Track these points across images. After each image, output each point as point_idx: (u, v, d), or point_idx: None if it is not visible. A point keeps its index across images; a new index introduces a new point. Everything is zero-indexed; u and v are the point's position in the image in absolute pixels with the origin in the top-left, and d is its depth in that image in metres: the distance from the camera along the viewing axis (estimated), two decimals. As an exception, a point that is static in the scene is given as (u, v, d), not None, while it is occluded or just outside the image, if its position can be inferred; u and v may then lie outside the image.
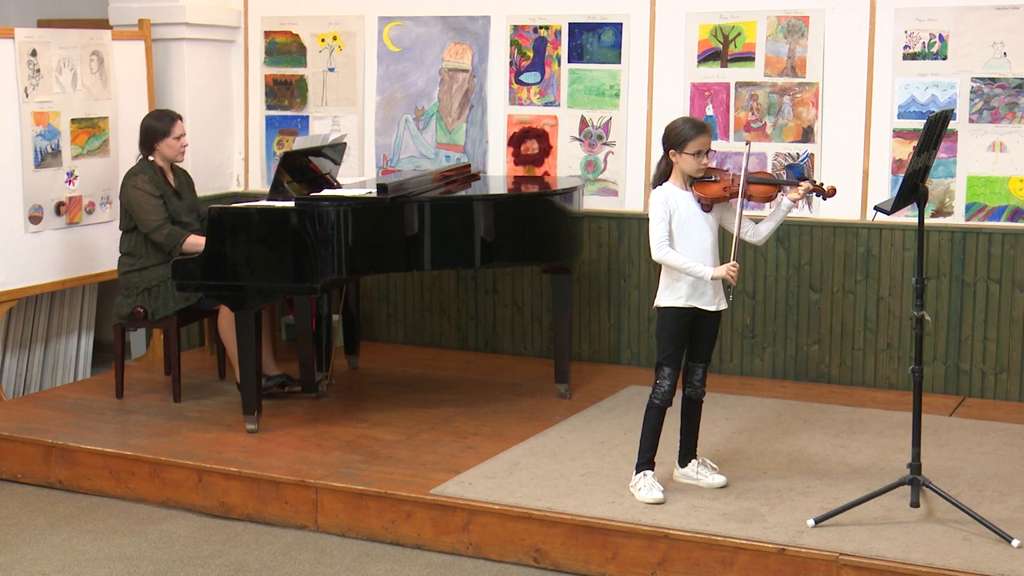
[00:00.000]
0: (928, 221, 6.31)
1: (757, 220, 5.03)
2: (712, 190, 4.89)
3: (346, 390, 6.68)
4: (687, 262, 4.82)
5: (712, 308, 4.92)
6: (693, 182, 4.91)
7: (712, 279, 4.82)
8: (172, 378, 6.46)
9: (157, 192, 6.31)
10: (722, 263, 4.87)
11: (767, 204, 5.08)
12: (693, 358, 5.02)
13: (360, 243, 5.74)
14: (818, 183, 4.96)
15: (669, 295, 4.92)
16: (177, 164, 6.54)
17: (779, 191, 4.97)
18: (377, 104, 7.55)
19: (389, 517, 5.07)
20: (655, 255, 4.86)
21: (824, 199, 4.97)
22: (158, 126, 6.40)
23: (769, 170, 6.64)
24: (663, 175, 4.96)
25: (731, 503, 4.89)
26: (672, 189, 4.91)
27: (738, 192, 4.84)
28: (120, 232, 6.46)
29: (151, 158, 6.41)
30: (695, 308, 4.90)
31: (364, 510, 5.11)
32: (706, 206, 4.91)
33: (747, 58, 6.70)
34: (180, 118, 6.48)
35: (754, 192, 4.93)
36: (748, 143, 5.06)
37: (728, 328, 6.82)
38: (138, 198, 6.26)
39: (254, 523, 5.31)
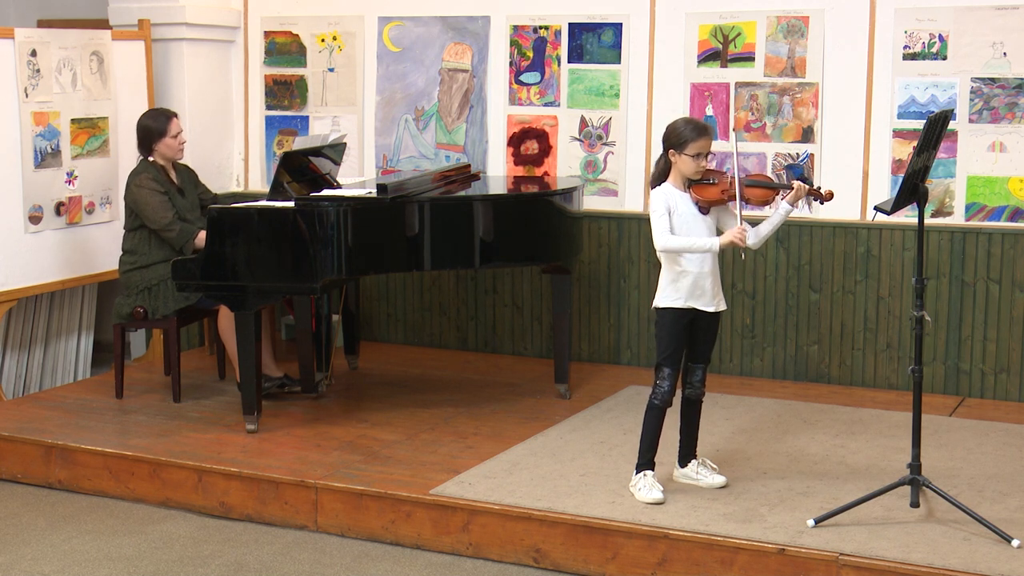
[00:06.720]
0: (928, 221, 6.31)
1: (754, 222, 5.00)
2: (710, 193, 4.88)
3: (346, 390, 6.68)
4: (691, 241, 4.79)
5: (711, 309, 4.91)
6: (691, 184, 4.90)
7: (722, 247, 4.78)
8: (172, 378, 6.46)
9: (162, 189, 6.31)
10: (720, 262, 4.86)
11: (765, 207, 5.07)
12: (692, 359, 5.02)
13: (360, 243, 5.74)
14: (815, 187, 4.95)
15: (668, 296, 4.91)
16: (178, 161, 6.54)
17: (777, 194, 4.96)
18: (377, 104, 7.55)
19: (389, 517, 5.07)
20: (658, 244, 4.81)
21: (821, 203, 4.96)
22: (154, 126, 6.38)
23: (769, 171, 6.64)
24: (661, 174, 4.95)
25: (731, 503, 4.89)
26: (671, 189, 4.90)
27: (735, 196, 4.83)
28: (123, 231, 6.47)
29: (151, 158, 6.41)
30: (694, 309, 4.90)
31: (364, 510, 5.11)
32: (703, 208, 4.90)
33: (747, 58, 6.70)
34: (175, 116, 6.47)
35: (752, 195, 4.90)
36: (735, 130, 5.04)
37: (728, 328, 6.82)
38: (144, 196, 6.26)
39: (254, 523, 5.31)
